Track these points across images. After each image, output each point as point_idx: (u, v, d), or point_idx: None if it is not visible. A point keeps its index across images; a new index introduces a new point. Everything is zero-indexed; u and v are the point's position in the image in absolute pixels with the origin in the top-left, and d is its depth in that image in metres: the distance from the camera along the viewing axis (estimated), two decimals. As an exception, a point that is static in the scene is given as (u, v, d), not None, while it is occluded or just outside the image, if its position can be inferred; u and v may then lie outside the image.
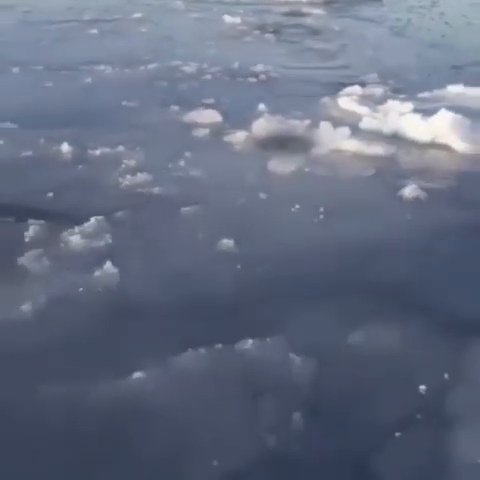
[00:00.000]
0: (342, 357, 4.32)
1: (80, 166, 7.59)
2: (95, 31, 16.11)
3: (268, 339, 4.48)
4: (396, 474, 3.46)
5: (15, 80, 11.53)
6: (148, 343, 4.44)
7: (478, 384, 4.10)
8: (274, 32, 16.79)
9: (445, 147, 8.27)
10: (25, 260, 5.47)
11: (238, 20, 17.67)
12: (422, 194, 6.88)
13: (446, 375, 4.15)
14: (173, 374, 4.13)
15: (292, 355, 4.29)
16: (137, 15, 17.94)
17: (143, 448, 3.62)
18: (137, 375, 4.09)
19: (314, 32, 17.09)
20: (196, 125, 9.11)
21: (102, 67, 12.48)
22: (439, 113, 8.55)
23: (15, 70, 11.97)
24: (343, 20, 18.98)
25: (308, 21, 18.67)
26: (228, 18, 17.82)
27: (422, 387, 4.04)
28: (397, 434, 3.70)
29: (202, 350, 4.36)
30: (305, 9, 19.71)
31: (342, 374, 4.15)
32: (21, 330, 4.58)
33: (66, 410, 3.83)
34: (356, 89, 11.05)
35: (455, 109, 8.88)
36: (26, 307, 4.80)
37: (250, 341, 4.44)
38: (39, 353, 4.33)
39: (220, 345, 4.40)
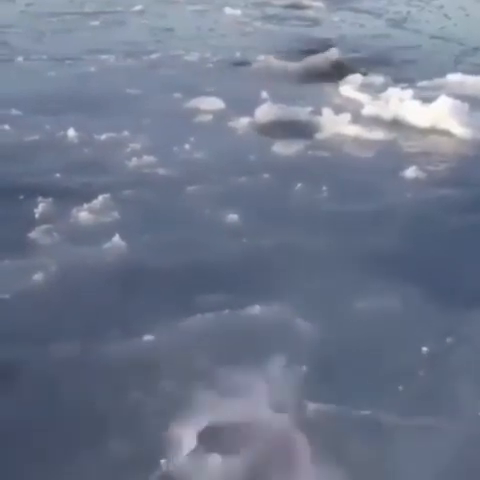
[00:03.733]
0: (345, 321, 4.47)
1: (86, 149, 7.74)
2: (97, 23, 16.25)
3: (274, 305, 4.64)
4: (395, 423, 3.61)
5: (19, 69, 11.66)
6: (157, 308, 4.58)
7: (475, 345, 4.26)
8: (275, 23, 16.94)
9: (444, 132, 8.43)
10: (36, 234, 5.62)
11: (239, 12, 17.82)
12: (422, 175, 7.05)
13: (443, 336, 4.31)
14: (181, 336, 4.29)
15: (297, 318, 4.45)
16: (138, 7, 18.07)
17: (149, 401, 3.75)
18: (147, 337, 4.24)
19: (314, 23, 17.24)
20: (199, 111, 9.25)
21: (105, 57, 12.63)
22: (439, 99, 8.72)
23: (19, 59, 12.11)
24: (343, 12, 19.13)
25: (308, 13, 18.80)
26: (229, 10, 17.97)
27: (422, 347, 4.20)
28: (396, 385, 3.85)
29: (210, 315, 4.52)
30: (305, 1, 19.80)
31: (344, 335, 4.30)
32: (35, 297, 4.73)
33: (78, 367, 3.98)
34: (357, 78, 11.20)
35: (454, 96, 9.05)
36: (38, 276, 4.95)
37: (257, 307, 4.61)
38: (52, 316, 4.49)
39: (227, 311, 4.56)
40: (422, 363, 4.02)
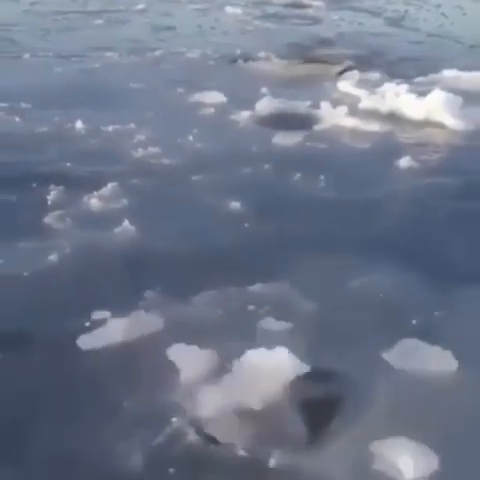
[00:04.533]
0: (337, 296, 4.79)
1: (94, 140, 8.06)
2: (100, 21, 16.55)
3: (273, 283, 4.96)
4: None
5: (27, 65, 11.98)
6: (165, 285, 4.89)
7: (465, 317, 4.60)
8: (275, 22, 17.25)
9: (438, 124, 8.75)
10: (49, 219, 5.95)
11: (239, 11, 18.13)
12: (415, 165, 7.36)
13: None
14: (188, 309, 4.61)
15: (294, 294, 4.77)
16: (140, 6, 18.37)
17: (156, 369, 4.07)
18: (155, 310, 4.56)
19: (314, 22, 17.53)
20: (202, 105, 9.56)
21: (109, 54, 12.94)
22: (433, 93, 9.02)
23: (26, 56, 12.43)
24: (342, 11, 19.43)
25: (308, 12, 19.09)
26: (229, 9, 18.27)
27: (413, 321, 4.52)
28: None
29: (215, 292, 4.84)
30: (305, 0, 20.10)
31: (337, 307, 4.63)
32: (50, 274, 5.05)
33: (90, 335, 4.33)
34: (354, 74, 11.50)
35: (448, 90, 9.35)
36: (53, 256, 5.27)
37: (258, 285, 4.92)
38: (66, 292, 4.82)
39: (232, 288, 4.88)
40: (409, 331, 4.34)
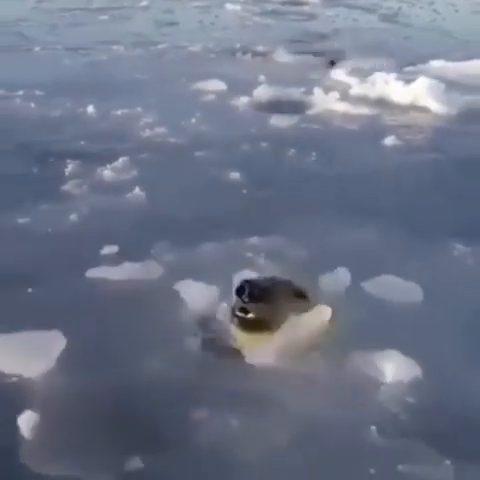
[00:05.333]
0: (326, 246, 5.44)
1: (104, 123, 8.77)
2: (105, 17, 17.30)
3: (269, 236, 5.63)
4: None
5: (38, 57, 12.72)
6: (173, 238, 5.54)
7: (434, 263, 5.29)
8: (273, 18, 17.97)
9: (423, 108, 9.47)
10: (68, 187, 6.64)
11: (239, 7, 18.88)
12: (399, 143, 8.06)
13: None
14: (194, 257, 5.28)
15: (287, 245, 5.44)
16: (144, 3, 19.14)
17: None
18: (164, 258, 5.24)
19: (310, 18, 18.26)
20: (203, 92, 10.27)
21: (115, 47, 13.67)
22: (418, 80, 9.74)
23: (36, 49, 13.17)
24: (338, 8, 20.19)
25: (305, 9, 19.85)
26: (229, 6, 19.03)
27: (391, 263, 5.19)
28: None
29: (216, 243, 5.51)
30: (302, -2, 20.92)
31: (324, 255, 5.27)
32: (71, 231, 5.74)
33: (109, 272, 5.00)
34: (347, 64, 12.22)
35: (434, 78, 10.06)
36: (73, 217, 5.95)
37: (255, 238, 5.59)
38: (86, 245, 5.47)
39: (232, 240, 5.55)
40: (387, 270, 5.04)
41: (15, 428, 3.54)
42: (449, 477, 3.35)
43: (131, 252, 5.31)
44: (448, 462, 3.40)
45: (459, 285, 5.00)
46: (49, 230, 5.73)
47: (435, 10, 20.12)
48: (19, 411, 3.61)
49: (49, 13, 17.51)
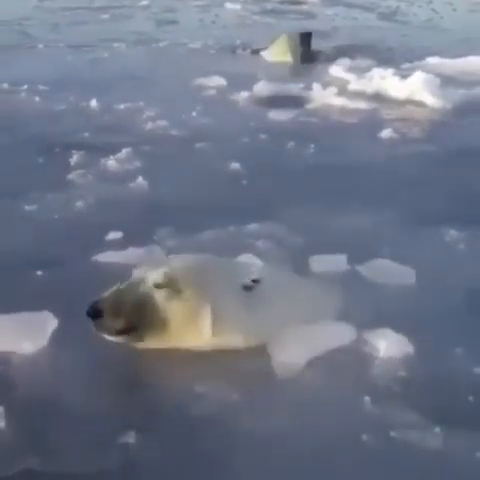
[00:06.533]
0: (322, 233, 5.61)
1: (107, 116, 8.98)
2: (106, 16, 17.52)
3: (267, 224, 5.81)
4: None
5: (41, 54, 12.94)
6: (175, 226, 5.72)
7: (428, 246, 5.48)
8: (272, 17, 18.18)
9: (419, 103, 9.67)
10: (73, 176, 6.83)
11: (238, 6, 19.10)
12: (396, 136, 8.26)
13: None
14: (195, 243, 5.48)
15: (285, 232, 5.63)
16: (144, 2, 19.36)
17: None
18: (167, 242, 5.43)
19: (309, 17, 18.47)
20: (204, 87, 10.49)
21: (116, 44, 13.89)
22: (415, 74, 9.95)
23: (40, 46, 13.38)
24: (336, 7, 20.42)
25: (304, 8, 20.08)
26: (229, 5, 19.26)
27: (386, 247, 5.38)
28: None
29: (217, 230, 5.69)
30: (301, -3, 21.16)
31: (324, 242, 5.46)
32: (77, 218, 5.93)
33: (113, 256, 5.17)
34: (345, 61, 12.43)
35: (430, 73, 10.27)
36: (79, 204, 6.14)
37: (254, 225, 5.78)
38: (91, 230, 5.64)
39: (232, 227, 5.75)
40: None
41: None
42: (438, 442, 3.54)
43: (135, 238, 5.50)
44: (437, 429, 3.59)
45: (451, 269, 5.20)
46: (55, 217, 5.91)
47: (433, 9, 20.34)
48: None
49: (51, 12, 17.74)
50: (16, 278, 4.94)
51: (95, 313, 3.94)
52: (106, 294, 4.02)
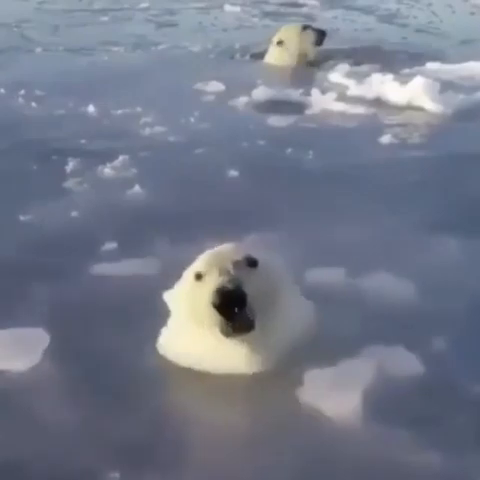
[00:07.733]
0: (323, 242, 5.58)
1: (105, 122, 8.90)
2: (106, 18, 17.40)
3: (266, 233, 5.75)
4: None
5: (39, 58, 12.85)
6: (171, 236, 5.67)
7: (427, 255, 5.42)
8: (271, 19, 18.08)
9: (418, 108, 9.57)
10: (69, 184, 6.76)
11: (238, 9, 19.00)
12: (395, 141, 8.19)
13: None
14: (192, 252, 5.39)
15: (284, 241, 5.57)
16: (144, 4, 19.24)
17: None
18: (164, 254, 5.37)
19: (308, 19, 18.31)
20: (202, 93, 10.38)
21: (116, 48, 13.79)
22: (414, 80, 9.86)
23: (38, 50, 13.29)
24: (336, 10, 20.27)
25: (303, 10, 19.94)
26: (228, 7, 19.14)
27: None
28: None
29: (215, 240, 5.57)
30: (301, 0, 21.00)
31: (323, 250, 5.42)
32: (72, 226, 5.87)
33: (106, 268, 5.12)
34: (344, 66, 12.33)
35: (429, 78, 10.18)
36: (75, 213, 6.09)
37: (254, 234, 5.70)
38: (86, 238, 5.63)
39: (231, 236, 5.64)
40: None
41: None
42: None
43: (131, 248, 5.45)
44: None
45: (451, 278, 5.14)
46: (49, 226, 5.85)
47: (433, 12, 20.21)
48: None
49: (51, 14, 17.60)
50: (6, 290, 4.89)
51: (242, 298, 3.34)
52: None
